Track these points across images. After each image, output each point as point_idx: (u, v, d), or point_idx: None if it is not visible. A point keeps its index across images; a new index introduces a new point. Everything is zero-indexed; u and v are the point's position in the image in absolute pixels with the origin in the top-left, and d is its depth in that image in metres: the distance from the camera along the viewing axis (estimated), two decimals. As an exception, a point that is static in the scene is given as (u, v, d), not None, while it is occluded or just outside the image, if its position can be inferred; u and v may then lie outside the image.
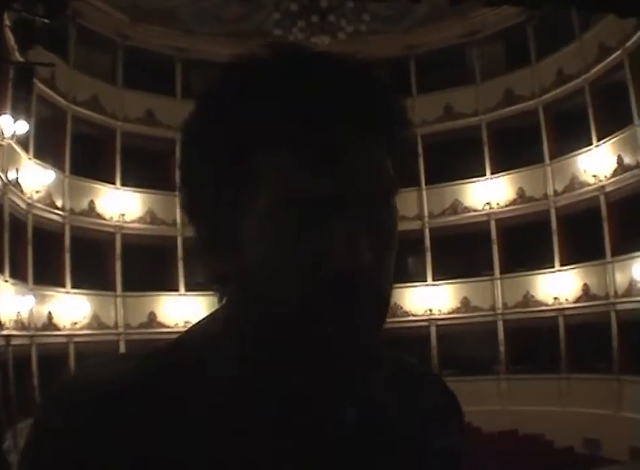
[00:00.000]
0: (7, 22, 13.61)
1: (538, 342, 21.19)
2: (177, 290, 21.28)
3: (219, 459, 0.77)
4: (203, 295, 19.00)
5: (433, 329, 22.68)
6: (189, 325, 0.92)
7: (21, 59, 15.09)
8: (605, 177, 18.87)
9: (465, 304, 22.49)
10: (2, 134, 15.21)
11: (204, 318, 0.89)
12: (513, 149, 21.66)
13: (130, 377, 0.80)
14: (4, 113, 15.18)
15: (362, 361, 0.79)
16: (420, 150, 23.16)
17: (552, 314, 20.54)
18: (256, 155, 0.76)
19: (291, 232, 0.75)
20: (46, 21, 12.75)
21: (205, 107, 0.81)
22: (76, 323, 19.12)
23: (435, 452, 0.90)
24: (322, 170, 0.75)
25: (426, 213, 23.33)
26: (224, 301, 0.85)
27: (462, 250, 22.71)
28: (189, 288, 21.08)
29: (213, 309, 0.89)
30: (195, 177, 0.82)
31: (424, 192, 23.24)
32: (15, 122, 15.33)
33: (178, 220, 20.62)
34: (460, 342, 22.03)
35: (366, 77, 0.80)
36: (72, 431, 0.76)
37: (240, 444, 0.78)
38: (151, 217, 21.32)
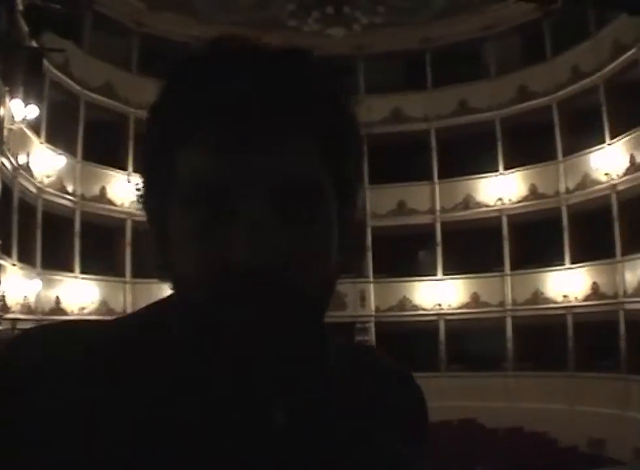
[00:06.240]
0: (20, 7, 13.70)
1: (546, 339, 21.03)
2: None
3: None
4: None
5: (442, 324, 22.69)
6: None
7: (34, 44, 15.16)
8: (617, 175, 18.79)
9: (475, 300, 22.46)
10: (13, 118, 15.28)
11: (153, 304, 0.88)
12: (526, 146, 21.56)
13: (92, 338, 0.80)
14: (16, 98, 15.25)
15: (281, 361, 0.75)
16: (433, 144, 23.26)
17: (561, 312, 20.50)
18: (178, 151, 0.77)
19: (197, 227, 0.74)
20: (58, 7, 12.83)
21: (153, 106, 0.86)
22: (83, 308, 19.20)
23: (390, 455, 0.84)
24: (225, 160, 0.73)
25: (438, 207, 23.32)
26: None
27: (473, 245, 22.63)
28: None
29: None
30: (143, 172, 0.84)
31: (437, 187, 23.31)
32: (26, 106, 15.39)
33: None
34: (468, 337, 21.99)
35: (304, 73, 0.77)
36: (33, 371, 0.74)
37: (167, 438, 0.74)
38: (161, 204, 21.28)
